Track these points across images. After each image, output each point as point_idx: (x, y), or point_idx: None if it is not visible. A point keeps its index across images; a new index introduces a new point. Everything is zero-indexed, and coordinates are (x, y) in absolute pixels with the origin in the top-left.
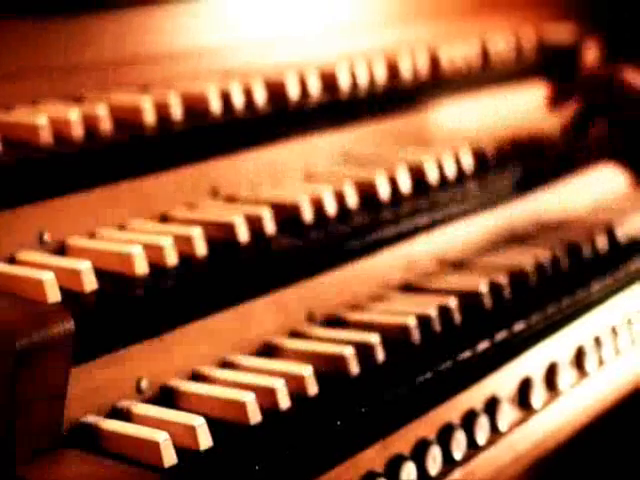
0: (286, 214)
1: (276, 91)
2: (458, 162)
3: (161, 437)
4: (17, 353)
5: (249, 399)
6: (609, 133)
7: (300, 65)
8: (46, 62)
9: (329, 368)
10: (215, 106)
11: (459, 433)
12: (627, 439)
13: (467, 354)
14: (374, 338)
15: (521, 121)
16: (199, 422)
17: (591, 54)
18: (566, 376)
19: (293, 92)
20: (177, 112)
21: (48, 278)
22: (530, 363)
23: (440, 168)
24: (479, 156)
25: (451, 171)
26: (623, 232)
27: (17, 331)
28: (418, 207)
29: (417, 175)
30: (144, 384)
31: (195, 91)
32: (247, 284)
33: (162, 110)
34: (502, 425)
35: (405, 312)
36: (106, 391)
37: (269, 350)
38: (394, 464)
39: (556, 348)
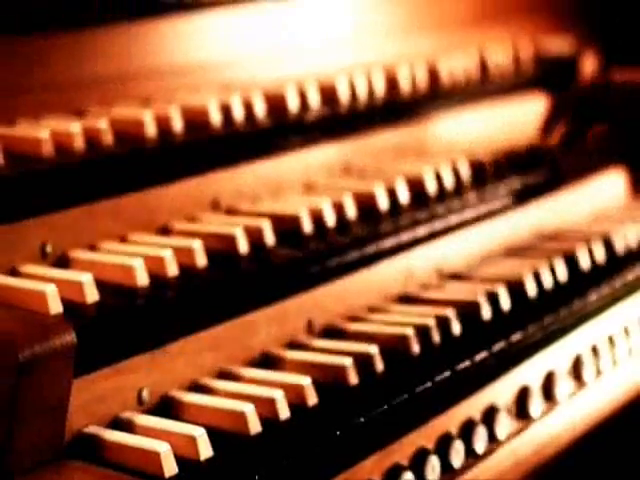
0: (286, 226)
1: (276, 104)
2: (456, 174)
3: (162, 448)
4: (19, 365)
5: (249, 409)
6: (609, 137)
7: (300, 78)
8: (49, 77)
9: (328, 379)
10: (215, 119)
11: (458, 442)
12: (626, 447)
13: (465, 364)
14: (373, 349)
15: (519, 133)
16: (199, 432)
17: (589, 65)
18: (564, 386)
19: (293, 105)
20: (178, 125)
21: (50, 290)
22: (528, 373)
23: (438, 180)
24: (477, 167)
25: (449, 182)
26: (620, 242)
27: (19, 343)
28: (417, 218)
29: (416, 187)
30: (145, 395)
31: (196, 104)
32: (247, 295)
33: (163, 123)
34: (500, 434)
35: (404, 323)
36: (107, 402)
37: (269, 361)
38: (393, 474)
39: (554, 358)
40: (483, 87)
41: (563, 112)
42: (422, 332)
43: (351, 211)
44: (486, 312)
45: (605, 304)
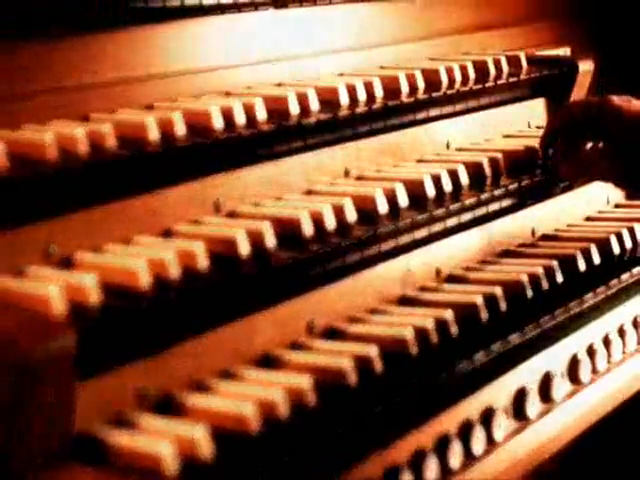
0: (287, 229)
1: (277, 108)
2: (455, 177)
3: (163, 448)
4: (21, 366)
5: (250, 410)
6: (601, 157)
7: (300, 83)
8: (53, 81)
9: (329, 380)
10: (218, 123)
11: (456, 443)
12: (623, 447)
13: (463, 365)
14: (372, 350)
15: (517, 137)
16: (201, 433)
17: (587, 74)
18: (561, 387)
19: (294, 109)
20: (180, 129)
21: (54, 292)
22: (525, 374)
23: (437, 183)
24: (475, 171)
25: (448, 186)
26: (616, 245)
27: (21, 344)
28: (415, 221)
29: (415, 190)
30: (147, 395)
31: (198, 109)
32: (248, 297)
33: (166, 127)
34: (498, 435)
35: (403, 324)
36: (109, 402)
37: (270, 361)
38: (392, 474)
39: (551, 359)
40: (482, 92)
41: (559, 123)
42: (420, 334)
43: (351, 214)
44: (484, 314)
45: (602, 306)
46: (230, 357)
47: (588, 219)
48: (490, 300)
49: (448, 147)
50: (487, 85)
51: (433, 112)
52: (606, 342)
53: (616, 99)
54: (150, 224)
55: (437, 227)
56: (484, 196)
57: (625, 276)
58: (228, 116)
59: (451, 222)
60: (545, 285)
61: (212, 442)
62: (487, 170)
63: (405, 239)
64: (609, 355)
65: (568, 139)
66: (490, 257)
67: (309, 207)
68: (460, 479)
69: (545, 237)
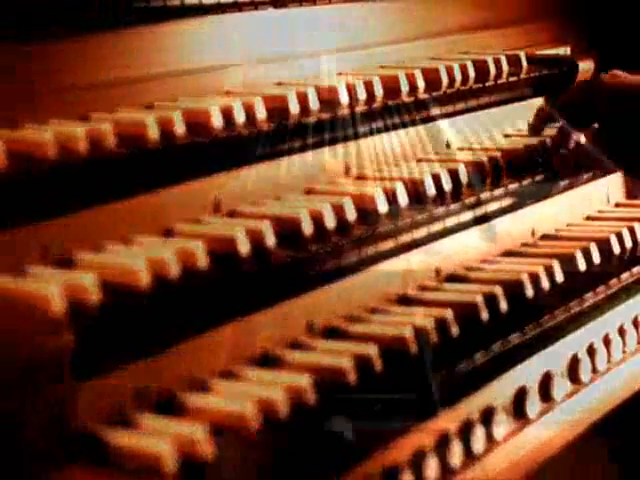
0: (287, 228)
1: (276, 108)
2: (455, 176)
3: (163, 448)
4: (19, 367)
5: (250, 409)
6: (600, 140)
7: (300, 82)
8: (54, 82)
9: (328, 379)
10: (217, 122)
11: (456, 443)
12: (623, 447)
13: (463, 365)
14: (372, 349)
15: (517, 136)
16: (201, 432)
17: (587, 73)
18: (561, 386)
19: (293, 109)
20: (180, 128)
21: (53, 291)
22: (525, 374)
23: (437, 182)
24: (475, 171)
25: (448, 185)
26: (616, 244)
27: (19, 345)
28: (415, 220)
29: (415, 189)
30: (147, 394)
31: (198, 108)
32: (248, 296)
33: (166, 126)
34: (498, 434)
35: (403, 324)
36: (109, 401)
37: (270, 361)
38: (392, 474)
39: (551, 359)
40: (482, 92)
41: (557, 115)
42: (420, 333)
43: (351, 213)
44: (484, 313)
45: (602, 306)
46: (230, 357)
47: (588, 218)
48: (490, 299)
49: (448, 146)
50: (487, 84)
51: (433, 111)
52: (606, 342)
53: (605, 76)
54: (150, 224)
55: (437, 226)
56: (484, 195)
57: (625, 275)
58: (228, 115)
59: (451, 221)
60: (545, 284)
61: (212, 441)
62: (487, 169)
63: (405, 238)
64: (609, 355)
65: (566, 127)
66: (490, 256)
67: (309, 206)
68: (461, 478)
69: (545, 236)
